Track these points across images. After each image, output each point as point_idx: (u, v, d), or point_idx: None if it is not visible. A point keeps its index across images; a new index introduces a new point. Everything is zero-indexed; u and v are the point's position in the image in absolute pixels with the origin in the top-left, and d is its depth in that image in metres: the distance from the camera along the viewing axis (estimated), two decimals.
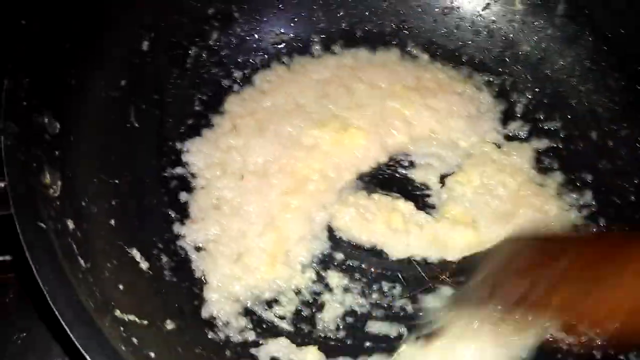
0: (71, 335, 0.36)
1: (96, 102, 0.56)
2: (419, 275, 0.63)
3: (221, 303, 0.58)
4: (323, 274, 0.62)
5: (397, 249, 0.65)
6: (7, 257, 0.60)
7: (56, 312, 0.37)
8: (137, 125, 0.62)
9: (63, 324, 0.36)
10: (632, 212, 0.69)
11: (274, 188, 0.65)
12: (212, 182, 0.64)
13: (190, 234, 0.61)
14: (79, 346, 0.36)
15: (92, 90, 0.55)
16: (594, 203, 0.69)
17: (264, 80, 0.72)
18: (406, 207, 0.67)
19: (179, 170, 0.65)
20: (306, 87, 0.71)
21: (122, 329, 0.44)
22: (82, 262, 0.44)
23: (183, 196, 0.63)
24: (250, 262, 0.60)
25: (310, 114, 0.70)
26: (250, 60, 0.74)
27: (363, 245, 0.64)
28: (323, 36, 0.78)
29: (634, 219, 0.69)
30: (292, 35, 0.77)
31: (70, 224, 0.45)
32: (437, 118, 0.73)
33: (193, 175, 0.64)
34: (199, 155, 0.65)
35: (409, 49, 0.79)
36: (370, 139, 0.69)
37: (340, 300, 0.60)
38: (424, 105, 0.74)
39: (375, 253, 0.64)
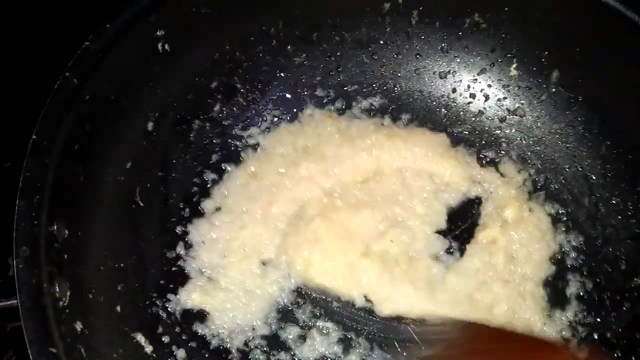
0: None
1: (103, 191, 0.58)
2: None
3: None
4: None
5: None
6: None
7: None
8: (141, 204, 0.65)
9: None
10: (622, 280, 0.71)
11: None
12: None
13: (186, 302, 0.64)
14: None
15: (100, 181, 0.58)
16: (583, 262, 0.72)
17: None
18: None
19: (180, 249, 0.67)
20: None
21: None
22: None
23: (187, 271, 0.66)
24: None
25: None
26: (252, 127, 0.77)
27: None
28: (323, 101, 0.81)
29: (624, 287, 0.71)
30: (292, 102, 0.80)
31: (79, 326, 0.48)
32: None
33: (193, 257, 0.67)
34: (199, 235, 0.68)
35: (402, 114, 0.81)
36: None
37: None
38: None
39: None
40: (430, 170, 0.75)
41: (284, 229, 0.70)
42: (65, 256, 0.49)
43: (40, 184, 0.47)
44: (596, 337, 0.68)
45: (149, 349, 0.58)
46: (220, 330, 0.64)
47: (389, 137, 0.77)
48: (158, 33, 0.62)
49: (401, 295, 0.68)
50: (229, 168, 0.74)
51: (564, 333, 0.68)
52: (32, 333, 0.41)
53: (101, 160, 0.58)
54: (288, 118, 0.80)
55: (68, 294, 0.46)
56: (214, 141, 0.75)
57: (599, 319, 0.69)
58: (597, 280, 0.72)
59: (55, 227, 0.47)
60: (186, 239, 0.68)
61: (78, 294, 0.49)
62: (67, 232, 0.49)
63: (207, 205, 0.71)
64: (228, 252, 0.68)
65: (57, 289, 0.45)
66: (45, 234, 0.46)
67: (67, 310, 0.46)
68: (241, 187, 0.72)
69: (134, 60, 0.61)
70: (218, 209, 0.71)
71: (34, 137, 0.47)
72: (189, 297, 0.65)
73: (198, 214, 0.69)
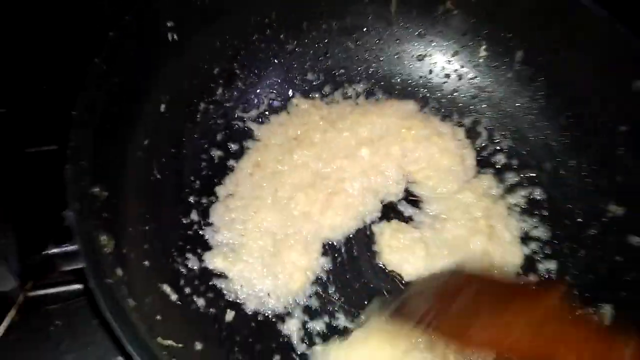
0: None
1: (128, 164, 0.66)
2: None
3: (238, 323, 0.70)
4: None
5: None
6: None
7: (121, 340, 0.49)
8: (159, 177, 0.73)
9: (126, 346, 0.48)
10: (578, 231, 0.82)
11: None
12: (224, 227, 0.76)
13: (209, 264, 0.72)
14: None
15: (125, 156, 0.66)
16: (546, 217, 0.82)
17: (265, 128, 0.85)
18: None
19: (194, 216, 0.76)
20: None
21: (164, 352, 0.55)
22: (130, 301, 0.56)
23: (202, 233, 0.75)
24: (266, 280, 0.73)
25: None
26: (252, 110, 0.86)
27: None
28: (313, 84, 0.90)
29: (579, 238, 0.82)
30: (286, 85, 0.89)
31: (119, 272, 0.56)
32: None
33: (208, 224, 0.76)
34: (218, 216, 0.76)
35: (386, 92, 0.91)
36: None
37: None
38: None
39: None
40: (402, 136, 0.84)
41: (291, 211, 0.77)
42: (104, 214, 0.57)
43: (82, 151, 0.55)
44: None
45: (174, 297, 0.67)
46: (236, 287, 0.72)
47: (364, 114, 0.86)
48: (168, 24, 0.70)
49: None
50: (233, 147, 0.83)
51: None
52: (90, 268, 0.49)
53: (124, 137, 0.66)
54: (281, 101, 0.88)
55: (112, 243, 0.55)
56: (218, 122, 0.83)
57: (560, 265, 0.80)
58: (557, 232, 0.83)
59: (97, 189, 0.56)
60: (200, 209, 0.77)
61: (116, 247, 0.58)
62: (106, 194, 0.57)
63: (221, 191, 0.79)
64: (245, 231, 0.76)
65: (103, 239, 0.54)
66: (89, 194, 0.55)
67: (110, 257, 0.55)
68: (249, 177, 0.80)
69: (148, 49, 0.68)
70: (232, 195, 0.78)
71: (73, 112, 0.55)
72: (212, 262, 0.73)
73: (210, 192, 0.78)
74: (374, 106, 0.88)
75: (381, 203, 0.81)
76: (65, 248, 0.50)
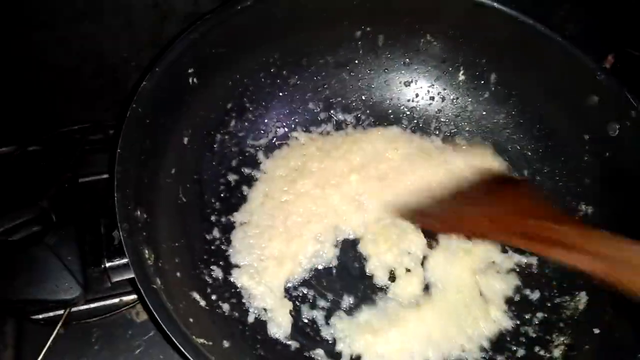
0: (183, 350, 0.59)
1: (159, 190, 0.77)
2: None
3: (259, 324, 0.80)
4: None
5: None
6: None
7: (170, 335, 0.60)
8: (185, 200, 0.84)
9: (175, 341, 0.59)
10: None
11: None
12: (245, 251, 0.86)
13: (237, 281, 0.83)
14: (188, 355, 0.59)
15: (157, 183, 0.77)
16: None
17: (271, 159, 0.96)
18: None
19: (215, 233, 0.87)
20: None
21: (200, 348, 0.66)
22: (169, 305, 0.66)
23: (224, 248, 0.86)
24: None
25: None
26: (261, 139, 0.98)
27: None
28: (314, 112, 1.02)
29: None
30: (289, 114, 1.01)
31: (158, 281, 0.67)
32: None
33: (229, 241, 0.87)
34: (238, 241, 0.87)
35: (377, 116, 1.02)
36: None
37: None
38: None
39: None
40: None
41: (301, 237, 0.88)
42: (144, 233, 0.69)
43: (126, 182, 0.66)
44: None
45: (202, 302, 0.77)
46: (258, 302, 0.83)
47: (354, 142, 0.98)
48: (189, 71, 0.83)
49: None
50: (246, 171, 0.94)
51: None
52: (139, 275, 0.60)
53: (156, 168, 0.78)
54: (286, 129, 1.00)
55: (153, 256, 0.66)
56: (233, 149, 0.94)
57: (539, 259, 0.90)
58: None
59: (138, 212, 0.67)
60: (220, 226, 0.88)
61: (155, 260, 0.69)
62: (145, 216, 0.69)
63: (238, 218, 0.89)
64: (263, 256, 0.85)
65: (146, 252, 0.65)
66: (134, 217, 0.66)
67: (152, 268, 0.66)
68: (260, 206, 0.89)
69: (174, 92, 0.80)
70: (248, 223, 0.88)
71: (119, 150, 0.67)
72: (239, 279, 0.83)
73: (228, 212, 0.89)
74: (362, 134, 1.00)
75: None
76: (117, 262, 0.61)
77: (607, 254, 0.60)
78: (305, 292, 0.85)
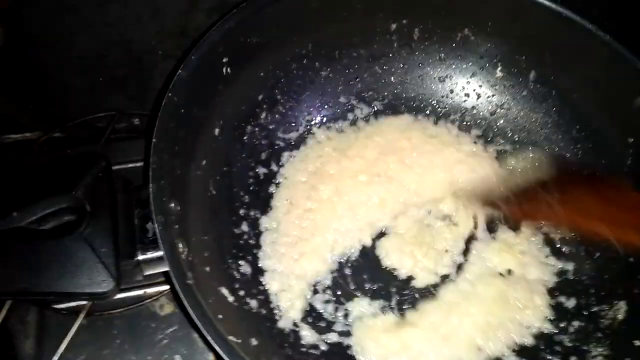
0: (216, 347, 0.57)
1: (191, 182, 0.76)
2: None
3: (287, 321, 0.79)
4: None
5: None
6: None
7: (202, 331, 0.58)
8: (214, 192, 0.82)
9: (210, 340, 0.57)
10: None
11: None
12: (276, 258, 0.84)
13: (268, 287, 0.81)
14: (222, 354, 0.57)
15: (189, 175, 0.75)
16: None
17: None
18: None
19: (244, 227, 0.85)
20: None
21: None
22: (202, 301, 0.64)
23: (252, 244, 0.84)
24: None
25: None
26: (292, 132, 0.96)
27: None
28: (348, 106, 1.00)
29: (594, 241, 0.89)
30: (320, 106, 0.99)
31: (190, 275, 0.65)
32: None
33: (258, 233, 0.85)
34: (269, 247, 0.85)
35: (417, 112, 1.00)
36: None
37: None
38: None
39: None
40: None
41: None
42: (177, 226, 0.67)
43: (161, 174, 0.64)
44: None
45: (230, 298, 0.75)
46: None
47: (367, 137, 0.95)
48: (224, 60, 0.81)
49: None
50: (275, 165, 0.93)
51: None
52: (174, 271, 0.58)
53: (187, 159, 0.76)
54: (316, 121, 0.99)
55: (186, 250, 0.64)
56: (262, 142, 0.92)
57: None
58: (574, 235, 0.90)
59: (172, 204, 0.66)
60: (249, 220, 0.86)
61: (187, 255, 0.67)
62: (178, 208, 0.67)
63: (265, 224, 0.87)
64: (292, 272, 0.83)
65: (180, 246, 0.63)
66: (168, 209, 0.64)
67: (185, 262, 0.64)
68: (286, 215, 0.87)
69: (208, 82, 0.78)
70: (276, 230, 0.87)
71: (154, 140, 0.65)
72: (270, 284, 0.82)
73: (257, 205, 0.87)
74: (373, 127, 0.97)
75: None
76: (151, 254, 0.60)
77: None
78: (330, 297, 0.83)
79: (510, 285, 0.83)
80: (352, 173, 0.91)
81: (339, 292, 0.84)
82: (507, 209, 0.85)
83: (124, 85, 1.07)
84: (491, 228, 0.89)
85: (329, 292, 0.84)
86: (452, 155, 0.94)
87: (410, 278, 0.85)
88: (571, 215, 0.75)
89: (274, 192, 0.90)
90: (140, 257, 0.60)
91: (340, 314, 0.82)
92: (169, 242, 0.60)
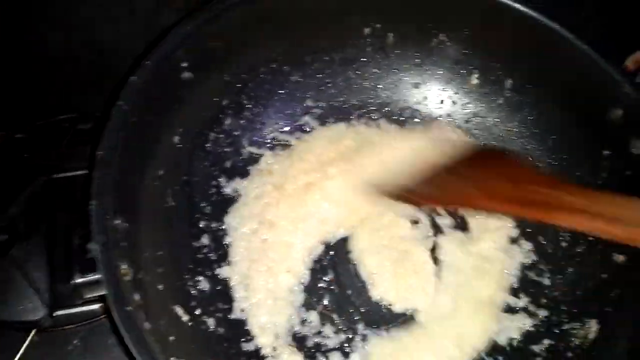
0: None
1: (144, 194, 0.71)
2: None
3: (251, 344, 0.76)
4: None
5: None
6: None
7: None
8: (173, 204, 0.78)
9: None
10: (567, 248, 0.86)
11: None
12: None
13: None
14: None
15: (142, 187, 0.71)
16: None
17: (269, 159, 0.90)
18: None
19: (204, 240, 0.81)
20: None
21: None
22: (147, 325, 0.60)
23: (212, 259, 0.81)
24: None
25: None
26: (258, 139, 0.92)
27: None
28: (315, 112, 0.96)
29: (568, 255, 0.86)
30: (289, 113, 0.95)
31: (137, 297, 0.61)
32: None
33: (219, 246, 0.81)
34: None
35: (387, 118, 0.96)
36: None
37: None
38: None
39: None
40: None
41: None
42: (123, 244, 0.62)
43: (105, 189, 0.60)
44: None
45: (185, 318, 0.72)
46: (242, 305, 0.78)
47: (332, 142, 0.91)
48: (182, 65, 0.76)
49: None
50: (240, 174, 0.88)
51: None
52: (112, 296, 0.54)
53: (141, 170, 0.72)
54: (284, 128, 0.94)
55: (131, 271, 0.60)
56: (226, 150, 0.88)
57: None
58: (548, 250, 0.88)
59: (118, 221, 0.61)
60: (210, 233, 0.82)
61: (134, 274, 0.63)
62: (125, 225, 0.63)
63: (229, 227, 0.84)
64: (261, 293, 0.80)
65: (123, 268, 0.59)
66: (112, 227, 0.60)
67: (129, 285, 0.60)
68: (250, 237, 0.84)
69: (165, 88, 0.74)
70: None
71: (98, 152, 0.61)
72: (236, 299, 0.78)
73: (219, 217, 0.83)
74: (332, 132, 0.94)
75: None
76: (90, 277, 0.56)
77: (605, 211, 0.60)
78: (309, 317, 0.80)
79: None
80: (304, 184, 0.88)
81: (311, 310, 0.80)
82: (416, 197, 0.81)
83: (96, 86, 1.02)
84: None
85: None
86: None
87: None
88: (479, 198, 0.72)
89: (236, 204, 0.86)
90: (78, 280, 0.56)
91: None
92: (108, 265, 0.56)
